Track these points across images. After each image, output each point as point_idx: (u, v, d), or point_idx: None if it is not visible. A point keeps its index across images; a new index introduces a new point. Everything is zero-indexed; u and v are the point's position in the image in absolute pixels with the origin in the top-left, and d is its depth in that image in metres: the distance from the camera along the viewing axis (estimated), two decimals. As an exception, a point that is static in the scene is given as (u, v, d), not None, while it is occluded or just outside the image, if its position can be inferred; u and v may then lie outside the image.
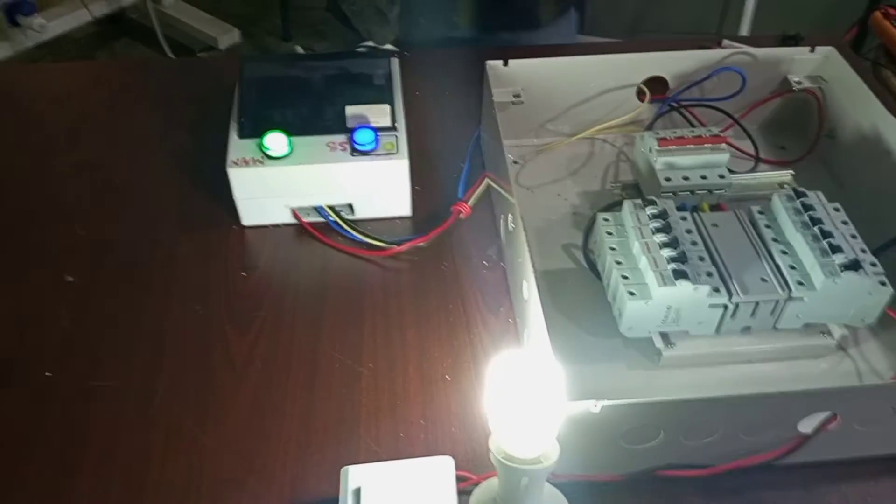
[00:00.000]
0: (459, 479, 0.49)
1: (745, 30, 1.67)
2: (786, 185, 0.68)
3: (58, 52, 2.21)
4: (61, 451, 0.51)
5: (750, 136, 0.70)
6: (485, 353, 0.57)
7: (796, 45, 0.89)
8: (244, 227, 0.67)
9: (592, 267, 0.61)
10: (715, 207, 0.62)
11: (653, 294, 0.52)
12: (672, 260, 0.53)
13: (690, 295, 0.52)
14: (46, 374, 0.56)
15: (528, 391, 0.42)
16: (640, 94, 0.72)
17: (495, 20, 0.92)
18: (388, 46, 0.88)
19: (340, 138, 0.65)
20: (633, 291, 0.53)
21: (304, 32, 2.31)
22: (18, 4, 1.85)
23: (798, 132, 0.75)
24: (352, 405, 0.54)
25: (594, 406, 0.43)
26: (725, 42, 0.87)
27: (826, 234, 0.54)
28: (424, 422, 0.53)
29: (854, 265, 0.52)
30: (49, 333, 0.59)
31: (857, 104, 0.68)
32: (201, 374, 0.56)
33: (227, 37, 2.13)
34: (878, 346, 0.57)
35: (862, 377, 0.56)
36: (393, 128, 0.66)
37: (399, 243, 0.65)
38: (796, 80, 0.73)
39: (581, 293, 0.61)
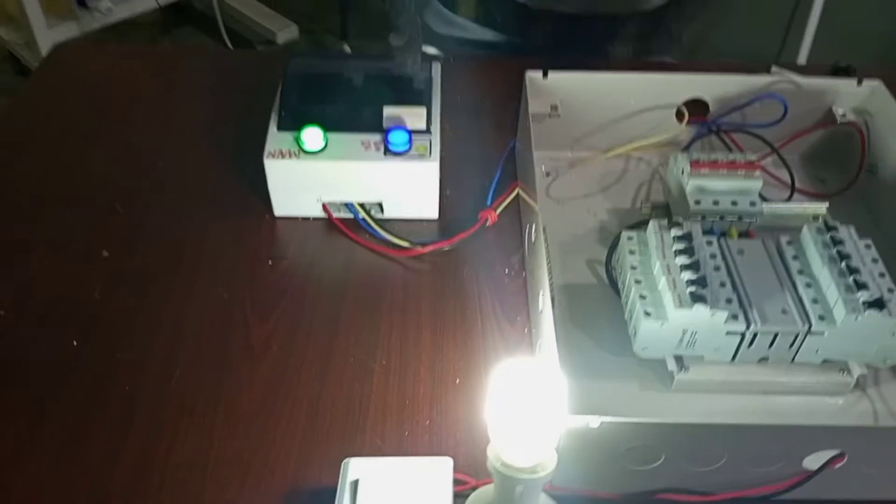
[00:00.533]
0: (458, 482, 0.49)
1: (802, 58, 1.64)
2: (820, 218, 0.66)
3: (123, 36, 2.28)
4: (77, 419, 0.53)
5: (787, 166, 0.69)
6: (497, 359, 0.57)
7: (847, 76, 0.88)
8: (276, 217, 0.68)
9: (614, 284, 0.61)
10: (744, 234, 0.61)
11: (669, 316, 0.52)
12: (691, 283, 0.53)
13: (707, 320, 0.52)
14: (74, 342, 0.58)
15: (530, 401, 0.42)
16: (679, 116, 0.72)
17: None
18: (433, 51, 0.89)
19: (375, 137, 0.66)
20: (650, 311, 0.53)
21: (362, 32, 2.35)
22: (88, -13, 1.92)
23: (840, 165, 0.74)
24: (361, 400, 0.55)
25: (593, 422, 0.43)
26: (774, 69, 0.86)
27: (853, 270, 0.53)
28: (430, 422, 0.54)
29: (878, 303, 0.51)
30: (81, 304, 0.61)
31: (901, 141, 0.67)
32: (219, 357, 0.57)
33: (286, 32, 2.17)
34: (899, 389, 0.56)
35: (878, 418, 0.54)
36: (427, 131, 0.67)
37: (423, 245, 0.66)
38: (841, 112, 0.71)
39: (600, 309, 0.61)
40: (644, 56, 0.95)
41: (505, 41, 0.92)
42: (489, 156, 0.75)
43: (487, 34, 0.92)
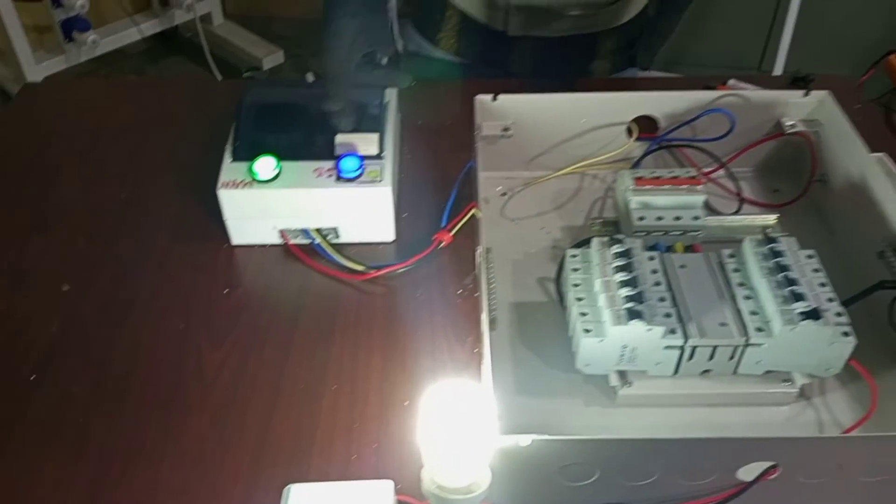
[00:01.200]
0: (402, 505, 0.50)
1: (779, 67, 1.65)
2: (769, 229, 0.67)
3: (111, 67, 2.31)
4: (31, 451, 0.54)
5: (734, 178, 0.70)
6: (458, 379, 0.58)
7: (806, 86, 0.89)
8: (234, 245, 0.69)
9: (563, 301, 0.61)
10: (689, 248, 0.62)
11: (607, 332, 0.53)
12: (629, 299, 0.53)
13: (644, 335, 0.52)
14: (31, 377, 0.59)
15: (459, 422, 0.43)
16: (630, 133, 0.73)
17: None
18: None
19: (328, 164, 0.67)
20: (589, 328, 0.54)
21: (347, 55, 2.37)
22: (74, 21, 1.94)
23: (792, 175, 0.75)
24: (309, 424, 0.55)
25: (524, 440, 0.44)
26: (731, 82, 0.87)
27: (791, 282, 0.54)
28: (378, 445, 0.54)
29: (814, 314, 0.52)
30: (39, 339, 0.62)
31: (847, 150, 0.67)
32: (172, 386, 0.58)
33: (272, 58, 2.20)
34: (844, 397, 0.56)
35: (823, 428, 0.55)
36: (379, 156, 0.68)
37: (378, 268, 0.66)
38: (789, 123, 0.72)
39: (549, 327, 0.61)
40: (621, 71, 0.96)
41: (487, 69, 0.93)
42: (448, 178, 0.76)
43: (469, 60, 0.93)
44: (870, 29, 1.95)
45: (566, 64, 0.93)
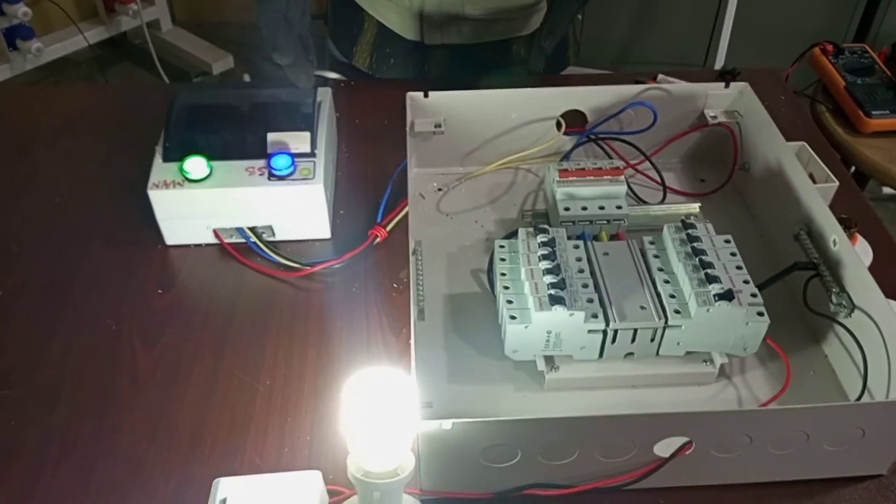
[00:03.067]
0: (333, 494, 0.51)
1: (720, 61, 1.70)
2: (692, 217, 0.69)
3: (59, 75, 2.28)
4: (-39, 457, 0.54)
5: (657, 169, 0.72)
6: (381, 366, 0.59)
7: (733, 79, 0.91)
8: (168, 246, 0.69)
9: (493, 291, 0.63)
10: (614, 237, 0.64)
11: (532, 318, 0.54)
12: (552, 286, 0.55)
13: (567, 320, 0.54)
14: (-39, 383, 0.58)
15: (381, 407, 0.44)
16: (559, 126, 0.75)
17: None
18: (334, 75, 0.91)
19: (260, 163, 0.67)
20: (515, 315, 0.55)
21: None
22: (17, 29, 1.91)
23: (717, 165, 0.77)
24: (243, 420, 0.56)
25: (445, 424, 0.45)
26: (660, 77, 0.90)
27: (706, 265, 0.56)
28: (311, 438, 0.55)
29: (728, 295, 0.54)
30: (-31, 344, 0.61)
31: (765, 139, 0.70)
32: (104, 386, 0.58)
33: (222, 63, 2.19)
34: (762, 375, 0.59)
35: (742, 404, 0.57)
36: (312, 154, 0.69)
37: (313, 265, 0.67)
38: (712, 114, 0.75)
39: (482, 317, 0.63)
40: (551, 71, 0.98)
41: (404, 76, 0.94)
42: (385, 175, 0.77)
43: (386, 73, 0.94)
44: (805, 24, 2.01)
45: (482, 71, 0.94)
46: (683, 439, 0.48)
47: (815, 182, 0.71)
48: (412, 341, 0.51)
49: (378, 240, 0.70)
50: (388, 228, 0.70)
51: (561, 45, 0.97)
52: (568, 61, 1.00)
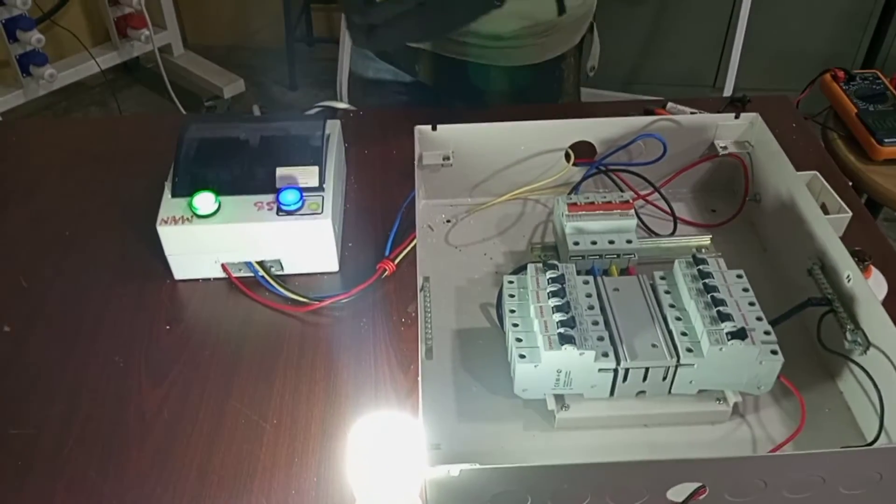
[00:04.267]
0: (341, 537, 0.50)
1: (730, 84, 1.69)
2: (704, 249, 0.69)
3: (71, 99, 2.30)
4: (-33, 498, 0.53)
5: (667, 200, 0.72)
6: (388, 409, 0.59)
7: (743, 107, 0.91)
8: (177, 280, 0.69)
9: (503, 327, 0.62)
10: (624, 271, 0.63)
11: (542, 358, 0.54)
12: (561, 324, 0.54)
13: (577, 359, 0.53)
14: (-31, 421, 0.58)
15: (388, 455, 0.43)
16: (568, 158, 0.74)
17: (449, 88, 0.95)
18: (343, 105, 0.91)
19: (269, 198, 0.67)
20: (524, 354, 0.54)
21: (309, 82, 2.39)
22: (31, 55, 1.93)
23: (730, 195, 0.76)
24: (250, 460, 0.55)
25: (453, 470, 0.44)
26: (670, 105, 0.89)
27: (718, 302, 0.55)
28: (318, 479, 0.54)
29: (741, 333, 0.53)
30: (-22, 381, 0.61)
31: (776, 170, 0.69)
32: (111, 425, 0.58)
33: (233, 86, 2.20)
34: (776, 413, 0.58)
35: (757, 444, 0.56)
36: (320, 188, 0.68)
37: (321, 299, 0.67)
38: (722, 144, 0.74)
39: (491, 353, 0.62)
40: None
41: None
42: (394, 207, 0.76)
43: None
44: (815, 47, 2.01)
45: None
46: (697, 484, 0.47)
47: (827, 212, 0.70)
48: (420, 382, 0.51)
49: (386, 273, 0.69)
50: (397, 262, 0.70)
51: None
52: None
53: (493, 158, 0.75)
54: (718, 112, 0.81)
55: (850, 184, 0.89)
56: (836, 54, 2.02)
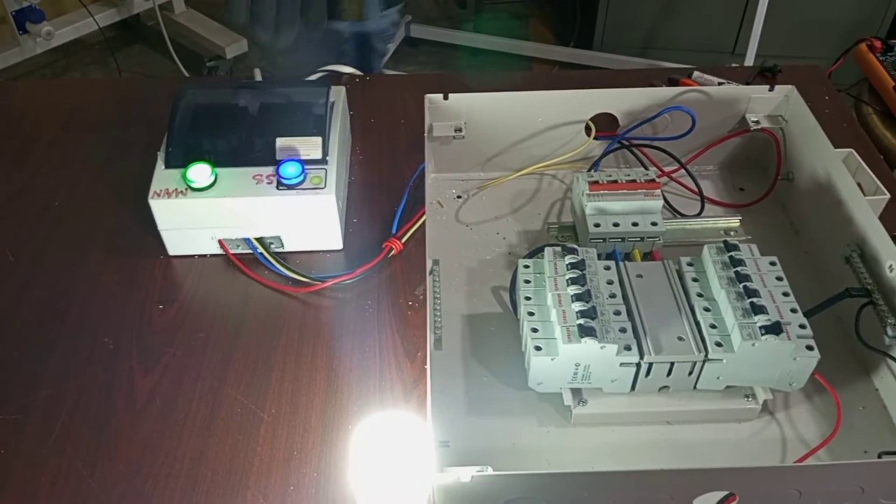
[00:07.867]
0: (342, 539, 0.47)
1: (752, 51, 1.63)
2: (732, 232, 0.64)
3: (72, 57, 2.24)
4: (-54, 489, 0.50)
5: (694, 179, 0.67)
6: (394, 401, 0.55)
7: (773, 76, 0.86)
8: (171, 256, 0.66)
9: (517, 313, 0.58)
10: (648, 255, 0.59)
11: (559, 350, 0.50)
12: (581, 314, 0.50)
13: (598, 353, 0.49)
14: (-51, 405, 0.55)
15: (393, 460, 0.40)
16: (588, 131, 0.70)
17: None
18: (349, 70, 0.86)
19: (268, 171, 0.63)
20: (540, 346, 0.51)
21: (315, 43, 2.31)
22: (27, 12, 1.87)
23: (759, 173, 0.72)
24: (245, 453, 0.52)
25: (464, 475, 0.41)
26: (696, 74, 0.84)
27: (751, 293, 0.51)
28: (318, 474, 0.51)
29: (775, 328, 0.49)
30: (-40, 362, 0.58)
31: (812, 147, 0.65)
32: (99, 414, 0.54)
33: (235, 46, 2.14)
34: (808, 411, 0.54)
35: (787, 445, 0.52)
36: (323, 161, 0.64)
37: (323, 280, 0.63)
38: (754, 119, 0.69)
39: (503, 340, 0.58)
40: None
41: None
42: (401, 180, 0.72)
43: None
44: (841, 12, 1.93)
45: None
46: (725, 493, 0.44)
47: (864, 193, 0.66)
48: (428, 375, 0.47)
49: (393, 252, 0.65)
50: (404, 240, 0.66)
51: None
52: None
53: (508, 130, 0.70)
54: (747, 83, 0.76)
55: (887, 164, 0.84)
56: (861, 21, 1.94)
